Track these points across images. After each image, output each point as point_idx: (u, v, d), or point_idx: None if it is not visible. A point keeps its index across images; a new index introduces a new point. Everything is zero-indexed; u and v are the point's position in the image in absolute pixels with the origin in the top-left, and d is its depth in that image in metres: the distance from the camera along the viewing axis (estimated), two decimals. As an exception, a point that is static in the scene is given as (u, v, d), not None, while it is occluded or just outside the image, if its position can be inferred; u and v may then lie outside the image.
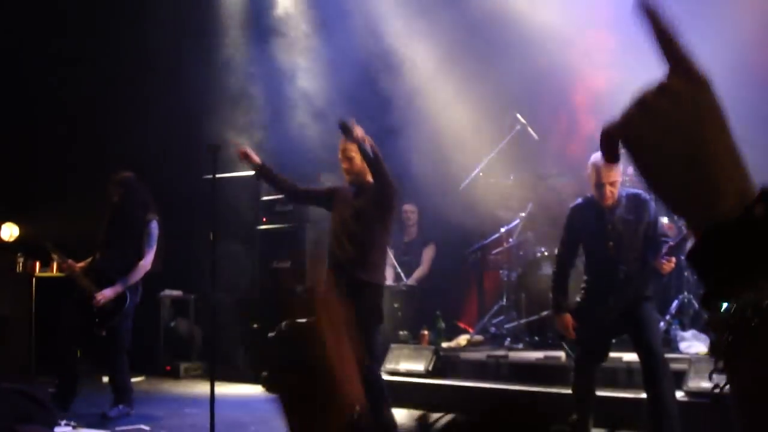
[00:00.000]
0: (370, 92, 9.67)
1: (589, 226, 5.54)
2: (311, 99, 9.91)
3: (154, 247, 7.42)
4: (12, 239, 10.01)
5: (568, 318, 5.55)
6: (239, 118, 10.29)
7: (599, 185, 5.32)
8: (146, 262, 7.38)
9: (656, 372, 5.21)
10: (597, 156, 5.29)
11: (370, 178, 6.01)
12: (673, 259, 5.29)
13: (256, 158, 6.13)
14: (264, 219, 10.15)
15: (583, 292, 5.68)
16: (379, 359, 6.19)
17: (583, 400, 5.53)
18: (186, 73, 10.45)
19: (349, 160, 6.01)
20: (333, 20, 9.74)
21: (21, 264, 9.58)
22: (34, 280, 9.49)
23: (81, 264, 7.53)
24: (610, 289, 5.42)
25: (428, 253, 9.56)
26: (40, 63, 10.39)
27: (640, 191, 5.51)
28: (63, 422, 6.53)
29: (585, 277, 5.75)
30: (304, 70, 10.07)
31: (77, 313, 7.33)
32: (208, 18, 10.58)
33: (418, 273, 9.43)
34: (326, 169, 9.79)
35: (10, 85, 10.32)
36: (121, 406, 7.34)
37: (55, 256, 7.59)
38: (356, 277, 5.78)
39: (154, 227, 7.44)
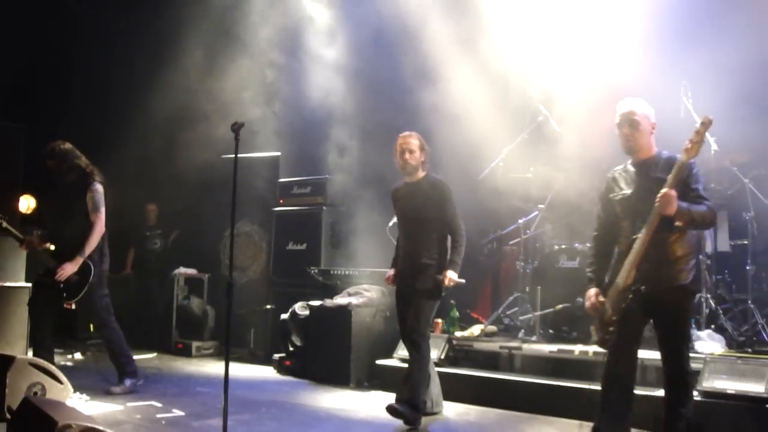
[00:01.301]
0: (391, 81, 9.64)
1: (621, 190, 5.16)
2: (333, 85, 9.86)
3: (103, 210, 7.22)
4: (30, 211, 10.05)
5: (594, 290, 5.17)
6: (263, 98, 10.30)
7: (621, 130, 5.08)
8: (98, 227, 7.19)
9: (676, 385, 4.94)
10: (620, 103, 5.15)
11: (422, 171, 6.62)
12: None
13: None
14: (281, 201, 10.15)
15: (613, 264, 5.21)
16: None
17: (608, 392, 5.03)
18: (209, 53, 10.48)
19: (411, 152, 6.53)
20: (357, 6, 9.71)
21: (37, 236, 9.58)
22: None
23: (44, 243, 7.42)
24: (631, 255, 4.92)
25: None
26: (63, 40, 10.41)
27: (683, 155, 4.79)
28: (76, 395, 6.57)
29: (616, 249, 5.25)
30: (326, 57, 10.03)
31: (45, 289, 7.24)
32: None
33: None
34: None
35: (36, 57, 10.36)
36: (126, 381, 7.32)
37: (12, 232, 7.40)
38: (422, 262, 6.43)
39: (97, 190, 7.24)
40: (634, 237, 4.92)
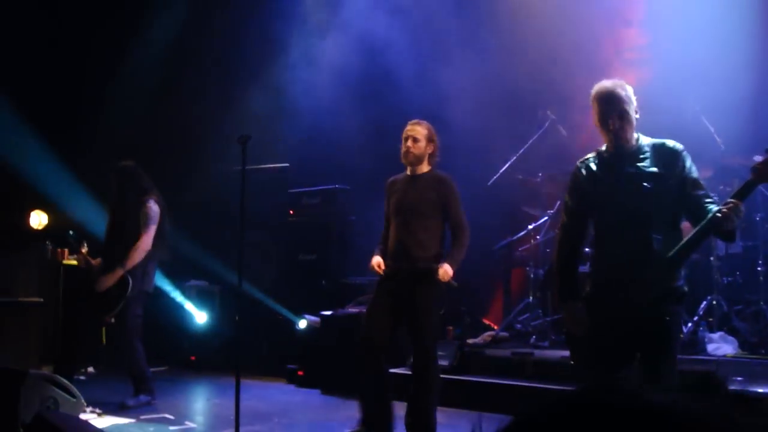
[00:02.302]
0: (396, 87, 9.65)
1: (598, 183, 4.34)
2: (337, 95, 9.86)
3: (152, 227, 7.33)
4: (41, 227, 10.09)
5: (575, 308, 4.34)
6: (270, 110, 10.31)
7: (605, 117, 4.26)
8: (143, 243, 7.29)
9: None
10: (599, 85, 4.36)
11: (426, 165, 6.07)
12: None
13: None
14: (291, 211, 10.17)
15: (593, 274, 4.47)
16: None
17: None
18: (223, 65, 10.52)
19: (414, 141, 5.99)
20: (359, 11, 9.71)
21: (50, 251, 9.65)
22: (61, 267, 9.56)
23: (96, 260, 7.58)
24: (632, 265, 4.13)
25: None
26: (74, 51, 10.47)
27: (667, 140, 4.26)
28: (89, 409, 6.59)
29: (594, 254, 4.51)
30: (327, 65, 10.03)
31: (85, 301, 7.35)
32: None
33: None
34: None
35: (45, 70, 10.41)
36: (141, 396, 7.37)
37: (77, 248, 7.58)
38: (419, 265, 5.85)
39: (151, 207, 7.36)
40: (636, 246, 4.13)
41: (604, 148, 4.39)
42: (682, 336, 6.21)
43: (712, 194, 4.19)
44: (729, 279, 7.58)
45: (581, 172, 4.45)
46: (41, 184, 10.00)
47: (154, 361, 8.22)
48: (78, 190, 9.81)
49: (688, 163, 4.17)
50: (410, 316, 5.86)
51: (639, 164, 4.20)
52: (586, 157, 4.49)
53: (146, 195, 7.42)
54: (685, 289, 4.22)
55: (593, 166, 4.39)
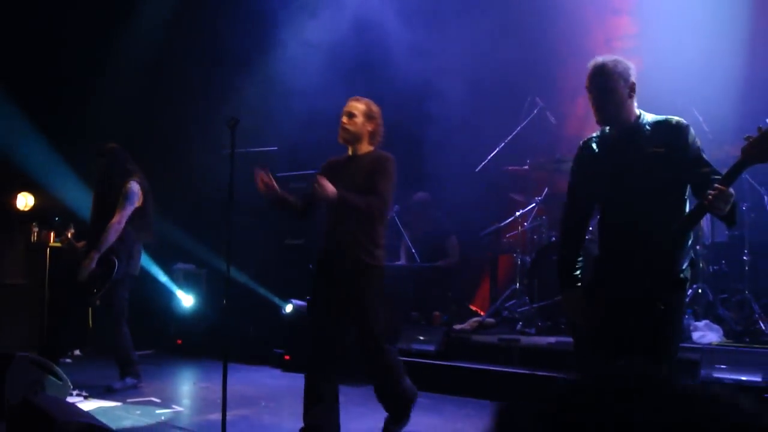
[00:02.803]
0: (385, 72, 9.64)
1: (600, 163, 4.19)
2: (326, 85, 9.81)
3: (128, 207, 7.28)
4: (27, 209, 10.05)
5: (576, 295, 4.26)
6: (258, 94, 10.27)
7: (593, 95, 4.11)
8: (115, 222, 7.21)
9: None
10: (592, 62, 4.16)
11: (367, 145, 5.47)
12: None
13: (276, 186, 5.35)
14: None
15: (598, 258, 4.32)
16: (385, 336, 5.48)
17: None
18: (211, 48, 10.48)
19: (350, 116, 5.44)
20: (348, 11, 9.67)
21: (35, 234, 9.62)
22: (48, 249, 9.53)
23: (81, 243, 7.57)
24: (633, 247, 3.98)
25: (452, 244, 9.49)
26: (71, 38, 10.41)
27: (671, 116, 4.09)
28: (75, 392, 6.58)
29: (600, 240, 4.35)
30: (324, 51, 9.99)
31: (71, 284, 7.33)
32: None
33: (446, 263, 9.38)
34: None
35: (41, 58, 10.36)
36: (127, 379, 7.36)
37: (63, 232, 7.58)
38: (359, 259, 5.27)
39: (131, 188, 7.31)
40: (638, 228, 3.98)
41: (607, 128, 4.21)
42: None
43: (718, 170, 3.88)
44: (715, 268, 7.63)
45: (583, 153, 4.31)
46: (28, 166, 9.95)
47: (141, 344, 8.21)
48: (65, 173, 9.77)
49: (692, 139, 3.98)
50: (353, 311, 5.33)
51: (641, 142, 4.02)
52: (589, 137, 4.32)
53: (129, 177, 7.38)
54: (685, 276, 4.03)
55: (595, 147, 4.24)
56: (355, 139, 5.46)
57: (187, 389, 7.80)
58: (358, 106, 5.48)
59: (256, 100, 10.18)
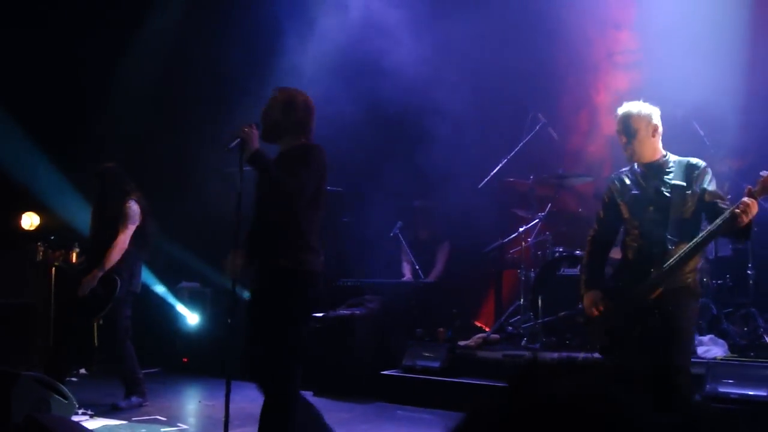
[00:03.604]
0: (388, 89, 9.67)
1: (630, 191, 4.86)
2: (327, 102, 9.82)
3: (130, 227, 7.30)
4: (32, 228, 10.08)
5: (595, 294, 4.87)
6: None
7: (620, 137, 4.81)
8: (119, 242, 7.24)
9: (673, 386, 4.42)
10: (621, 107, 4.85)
11: (291, 140, 4.91)
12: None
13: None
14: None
15: (618, 269, 5.00)
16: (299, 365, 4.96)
17: None
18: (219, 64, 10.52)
19: (267, 109, 4.95)
20: (351, 25, 9.70)
21: (41, 253, 9.64)
22: (53, 269, 9.55)
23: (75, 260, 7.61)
24: (648, 264, 4.65)
25: (443, 252, 9.51)
26: (67, 54, 10.45)
27: (691, 158, 4.79)
28: (80, 411, 6.59)
29: (622, 255, 4.98)
30: (321, 71, 10.00)
31: (74, 303, 7.34)
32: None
33: (434, 274, 9.40)
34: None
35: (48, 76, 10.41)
36: (133, 398, 7.36)
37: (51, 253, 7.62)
38: (276, 263, 4.77)
39: (130, 207, 7.34)
40: (649, 245, 4.66)
41: (635, 164, 4.89)
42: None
43: (730, 204, 4.56)
44: (719, 282, 7.62)
45: (614, 184, 5.00)
46: (33, 185, 9.99)
47: (146, 362, 8.22)
48: (70, 193, 9.80)
49: (708, 177, 4.69)
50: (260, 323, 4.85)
51: (664, 177, 4.75)
52: (620, 171, 5.02)
53: (128, 196, 7.42)
54: (694, 287, 4.73)
55: (624, 178, 4.93)
56: (274, 134, 4.91)
57: (192, 407, 7.80)
58: (277, 97, 4.95)
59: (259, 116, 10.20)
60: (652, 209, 4.74)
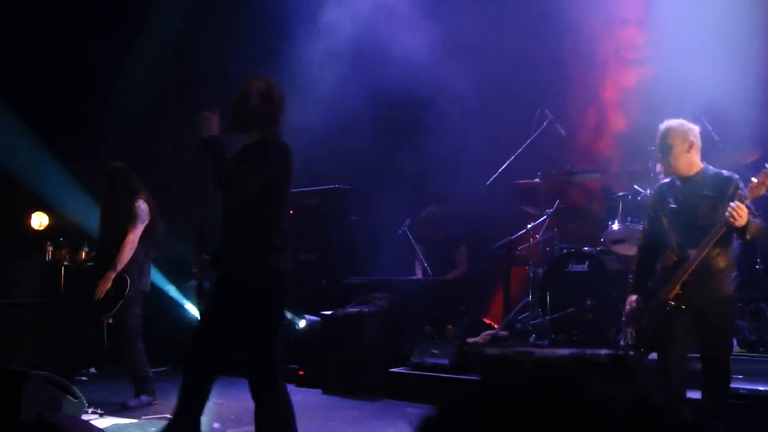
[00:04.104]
0: (396, 87, 9.66)
1: (669, 203, 5.28)
2: (336, 99, 9.80)
3: (139, 226, 7.35)
4: (42, 228, 10.13)
5: (634, 297, 5.34)
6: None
7: (661, 151, 5.19)
8: (129, 241, 7.29)
9: (713, 396, 5.11)
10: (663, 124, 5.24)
11: (258, 133, 4.67)
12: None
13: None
14: (291, 212, 10.15)
15: (657, 275, 5.37)
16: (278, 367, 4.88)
17: None
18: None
19: (244, 96, 4.67)
20: (360, 19, 9.68)
21: (50, 253, 9.68)
22: (63, 268, 9.59)
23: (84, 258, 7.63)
24: (679, 270, 5.10)
25: (461, 255, 9.49)
26: (73, 55, 10.48)
27: (724, 171, 5.21)
28: (90, 410, 6.61)
29: (661, 261, 5.38)
30: (330, 68, 9.99)
31: (84, 302, 7.37)
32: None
33: (455, 273, 9.38)
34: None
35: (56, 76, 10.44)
36: (142, 396, 7.38)
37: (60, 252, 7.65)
38: (242, 264, 4.66)
39: (139, 206, 7.39)
40: (683, 253, 5.10)
41: (675, 176, 5.28)
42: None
43: (757, 212, 5.01)
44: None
45: (655, 197, 5.47)
46: (42, 185, 10.03)
47: (156, 361, 8.23)
48: (77, 193, 9.83)
49: (737, 188, 5.02)
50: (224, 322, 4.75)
51: (697, 189, 5.14)
52: (662, 183, 5.46)
53: (136, 195, 7.45)
54: (724, 290, 5.11)
55: (665, 192, 5.34)
56: (243, 124, 4.67)
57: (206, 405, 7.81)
58: (254, 84, 4.68)
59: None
60: (686, 221, 5.14)
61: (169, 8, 10.82)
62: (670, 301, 5.10)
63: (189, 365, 4.88)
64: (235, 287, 4.63)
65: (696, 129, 5.22)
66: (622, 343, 5.78)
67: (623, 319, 5.52)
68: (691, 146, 5.15)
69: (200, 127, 4.57)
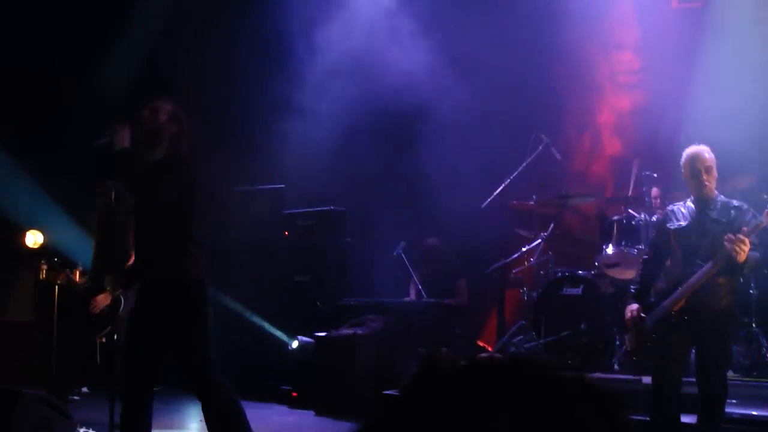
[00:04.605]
0: (392, 109, 9.69)
1: (678, 221, 5.51)
2: (331, 121, 9.81)
3: None
4: (36, 246, 10.09)
5: (634, 306, 5.54)
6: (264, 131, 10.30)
7: (695, 173, 5.37)
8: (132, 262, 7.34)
9: (710, 414, 5.21)
10: (690, 148, 5.48)
11: (163, 149, 4.92)
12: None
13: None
14: (286, 233, 10.16)
15: (661, 290, 5.61)
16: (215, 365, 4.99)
17: (656, 419, 5.36)
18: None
19: (152, 112, 4.91)
20: (357, 38, 9.71)
21: (44, 271, 9.64)
22: (56, 287, 9.55)
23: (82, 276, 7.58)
24: (684, 285, 5.32)
25: (461, 286, 9.47)
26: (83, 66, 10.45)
27: (735, 200, 5.50)
28: (82, 430, 6.58)
29: (668, 276, 5.73)
30: (324, 85, 10.00)
31: (76, 321, 7.33)
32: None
33: (453, 302, 9.37)
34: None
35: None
36: None
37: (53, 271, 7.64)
38: (165, 273, 4.86)
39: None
40: (688, 270, 5.30)
41: (690, 198, 5.55)
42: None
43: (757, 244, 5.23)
44: (722, 302, 7.59)
45: (669, 215, 5.63)
46: (35, 204, 9.98)
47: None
48: (58, 212, 9.77)
49: (747, 217, 5.28)
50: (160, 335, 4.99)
51: (709, 212, 5.38)
52: (675, 204, 5.68)
53: (131, 214, 7.44)
54: (724, 310, 5.29)
55: (678, 211, 5.55)
56: (152, 141, 4.89)
57: (195, 426, 7.77)
58: (160, 105, 4.95)
59: (262, 137, 10.22)
60: (692, 239, 5.38)
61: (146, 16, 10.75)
62: (674, 312, 5.30)
63: (128, 381, 5.11)
64: (156, 296, 4.85)
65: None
66: (625, 347, 6.21)
67: (620, 327, 5.91)
68: (714, 176, 5.44)
69: (113, 140, 4.73)
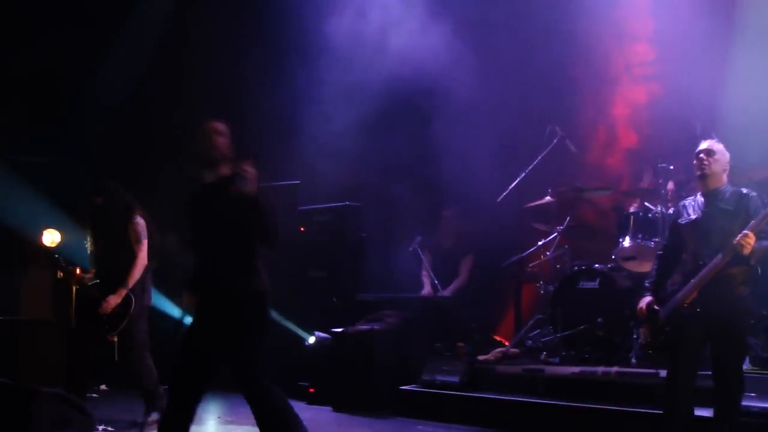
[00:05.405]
0: (406, 103, 9.67)
1: (689, 216, 5.60)
2: (345, 117, 9.79)
3: (144, 242, 7.35)
4: (53, 245, 10.13)
5: (648, 298, 5.62)
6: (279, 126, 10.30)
7: (696, 154, 5.53)
8: (140, 259, 7.31)
9: (726, 408, 5.22)
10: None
11: (221, 168, 5.07)
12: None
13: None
14: (302, 228, 10.17)
15: (680, 281, 5.63)
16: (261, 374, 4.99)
17: (669, 413, 5.38)
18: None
19: (217, 135, 5.09)
20: (370, 31, 9.69)
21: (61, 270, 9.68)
22: (73, 286, 9.59)
23: (88, 275, 7.58)
24: (696, 278, 5.36)
25: (466, 264, 9.45)
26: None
27: (743, 188, 5.54)
28: (101, 427, 6.61)
29: (682, 269, 5.75)
30: (338, 80, 9.98)
31: (87, 321, 7.34)
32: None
33: (456, 284, 9.34)
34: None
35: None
36: (153, 413, 7.36)
37: (61, 270, 7.66)
38: (227, 287, 5.00)
39: (139, 223, 7.37)
40: (700, 262, 5.35)
41: (701, 192, 5.61)
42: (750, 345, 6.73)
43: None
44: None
45: (680, 209, 5.74)
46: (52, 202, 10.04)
47: (165, 378, 8.22)
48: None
49: (754, 204, 5.36)
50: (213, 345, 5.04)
51: (718, 203, 5.45)
52: (687, 198, 5.79)
53: (131, 212, 7.44)
54: (740, 298, 5.33)
55: (689, 206, 5.64)
56: (215, 159, 5.06)
57: (212, 423, 7.80)
58: (219, 126, 5.14)
59: (278, 133, 10.22)
60: (703, 232, 5.44)
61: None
62: (686, 305, 5.35)
63: (179, 384, 5.06)
64: (222, 307, 4.93)
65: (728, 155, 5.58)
66: (639, 341, 6.33)
67: (635, 321, 5.87)
68: (727, 163, 5.56)
69: (244, 183, 4.73)
